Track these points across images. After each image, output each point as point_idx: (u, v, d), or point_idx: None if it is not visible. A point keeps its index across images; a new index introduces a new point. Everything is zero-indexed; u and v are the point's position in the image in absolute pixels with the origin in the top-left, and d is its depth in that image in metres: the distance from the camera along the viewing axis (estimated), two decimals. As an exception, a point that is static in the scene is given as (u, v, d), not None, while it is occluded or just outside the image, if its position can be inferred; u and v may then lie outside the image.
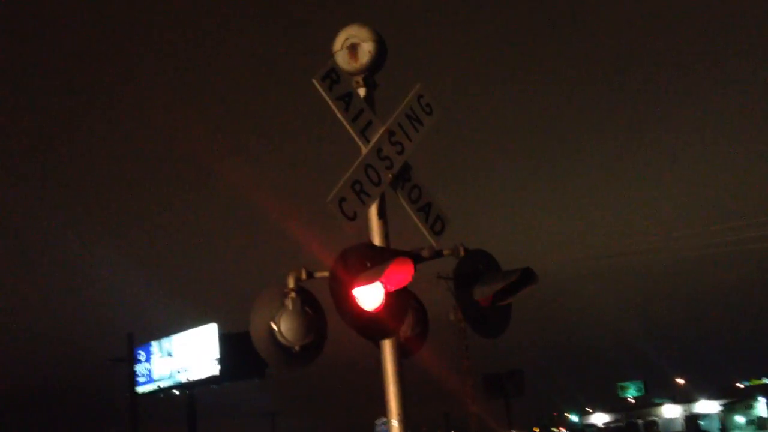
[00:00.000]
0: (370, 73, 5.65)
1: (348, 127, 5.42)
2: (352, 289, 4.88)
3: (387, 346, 5.17)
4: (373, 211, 5.38)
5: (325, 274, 5.00)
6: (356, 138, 5.45)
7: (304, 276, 5.18)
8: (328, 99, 5.34)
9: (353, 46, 5.61)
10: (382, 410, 5.18)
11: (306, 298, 5.19)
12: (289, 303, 5.12)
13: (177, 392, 41.18)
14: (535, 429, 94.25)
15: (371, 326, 4.95)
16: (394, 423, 5.10)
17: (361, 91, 5.59)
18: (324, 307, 5.23)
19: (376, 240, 5.34)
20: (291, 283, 5.16)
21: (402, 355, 5.23)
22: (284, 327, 5.08)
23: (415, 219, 5.63)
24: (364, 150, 5.42)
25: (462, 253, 5.51)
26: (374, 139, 5.47)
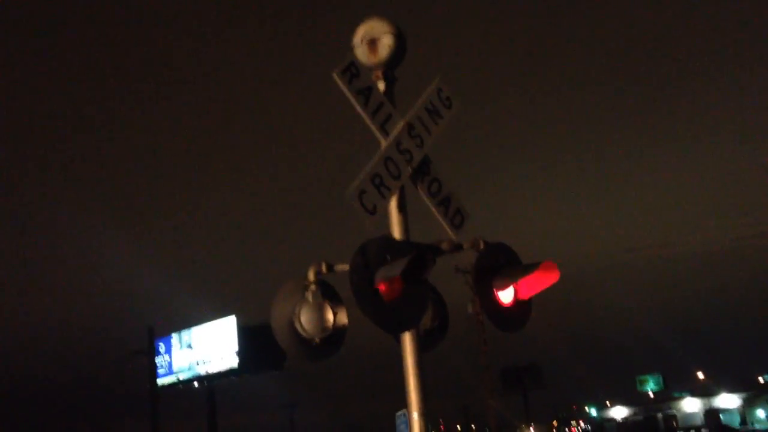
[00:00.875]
0: (390, 67, 5.65)
1: (367, 120, 5.43)
2: (373, 282, 4.89)
3: (407, 339, 5.19)
4: (393, 204, 5.39)
5: (346, 267, 5.01)
6: (376, 132, 5.46)
7: (324, 269, 5.21)
8: (347, 93, 5.35)
9: (373, 40, 5.61)
10: (403, 403, 5.20)
11: (326, 290, 5.22)
12: (309, 296, 5.15)
13: (196, 384, 41.48)
14: (554, 422, 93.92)
15: (391, 319, 4.96)
16: (415, 416, 5.12)
17: (381, 85, 5.59)
18: (344, 300, 5.26)
19: (396, 233, 5.35)
20: (311, 276, 5.19)
21: (422, 348, 5.24)
22: (304, 319, 5.12)
23: (435, 212, 5.62)
24: (384, 144, 5.43)
25: (482, 246, 5.50)
26: (394, 132, 5.48)
